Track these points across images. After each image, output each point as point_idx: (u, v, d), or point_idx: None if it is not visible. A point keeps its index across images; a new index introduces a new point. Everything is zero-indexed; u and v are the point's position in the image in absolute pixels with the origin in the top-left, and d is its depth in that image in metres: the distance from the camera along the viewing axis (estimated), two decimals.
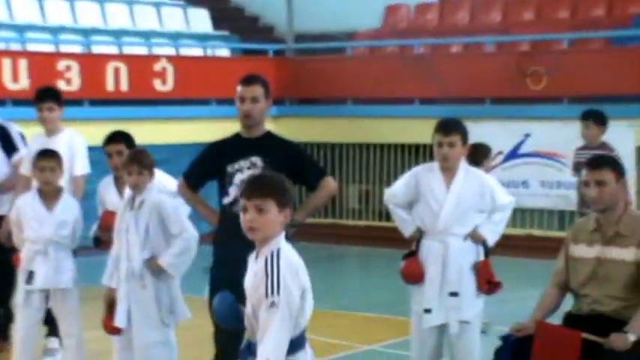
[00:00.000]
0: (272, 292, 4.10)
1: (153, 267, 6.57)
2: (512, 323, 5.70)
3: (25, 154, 8.36)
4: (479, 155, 8.43)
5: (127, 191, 6.76)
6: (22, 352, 7.11)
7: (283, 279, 4.10)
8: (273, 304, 4.08)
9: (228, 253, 6.31)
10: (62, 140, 8.15)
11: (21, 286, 7.13)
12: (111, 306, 6.69)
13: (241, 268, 6.24)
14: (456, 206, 6.48)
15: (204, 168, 6.51)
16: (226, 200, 6.30)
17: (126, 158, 6.68)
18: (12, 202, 8.00)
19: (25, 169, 8.29)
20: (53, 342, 8.07)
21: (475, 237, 6.54)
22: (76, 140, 8.29)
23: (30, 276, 7.09)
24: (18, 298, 7.13)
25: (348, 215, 17.00)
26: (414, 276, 6.55)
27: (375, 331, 9.46)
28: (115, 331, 6.67)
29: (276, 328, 4.06)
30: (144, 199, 6.61)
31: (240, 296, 6.31)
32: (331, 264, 15.19)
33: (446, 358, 6.69)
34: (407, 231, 6.65)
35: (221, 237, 6.40)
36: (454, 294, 6.47)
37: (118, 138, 7.34)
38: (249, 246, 6.17)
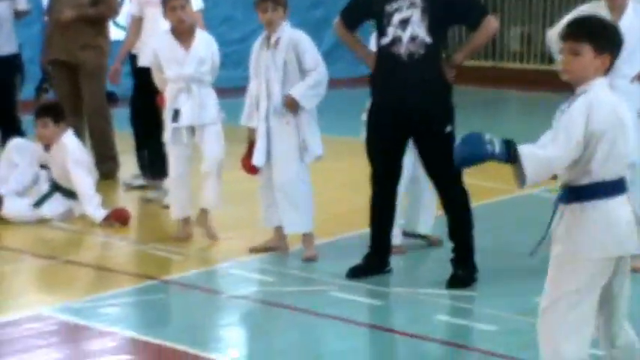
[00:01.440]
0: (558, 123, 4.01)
1: (287, 100, 6.58)
2: None
3: None
4: None
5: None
6: (177, 188, 7.27)
7: (574, 112, 3.95)
8: (552, 132, 4.01)
9: (385, 96, 6.26)
10: None
11: (168, 125, 7.24)
12: (252, 146, 6.75)
13: (399, 108, 6.23)
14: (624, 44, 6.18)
15: (362, 7, 6.37)
16: (384, 41, 6.17)
17: None
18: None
19: (134, 9, 8.32)
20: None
21: None
22: None
23: (176, 114, 7.17)
24: (166, 137, 7.26)
25: (508, 58, 16.64)
26: None
27: None
28: (253, 170, 6.75)
29: (547, 151, 3.96)
30: (279, 37, 6.61)
31: (395, 140, 6.30)
32: (491, 108, 14.97)
33: None
34: None
35: (379, 79, 6.31)
36: None
37: None
38: (406, 88, 6.15)
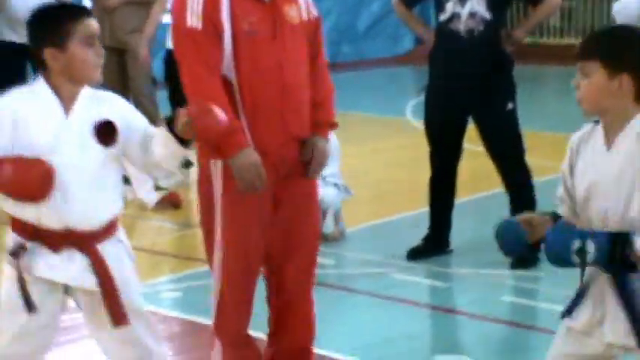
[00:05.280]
0: None
1: None
2: None
3: None
4: None
5: None
6: None
7: None
8: None
9: (444, 73, 6.16)
10: None
11: None
12: None
13: (458, 86, 6.11)
14: None
15: None
16: (442, 17, 6.07)
17: None
18: None
19: None
20: None
21: None
22: None
23: None
24: None
25: (549, 34, 16.49)
26: None
27: None
28: None
29: None
30: None
31: (454, 118, 6.16)
32: (532, 85, 14.85)
33: None
34: None
35: (437, 56, 6.20)
36: None
37: None
38: (465, 63, 6.04)
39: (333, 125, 4.20)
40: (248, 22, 3.91)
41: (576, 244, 3.11)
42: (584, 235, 3.12)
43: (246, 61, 3.89)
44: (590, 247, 3.10)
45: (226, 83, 3.92)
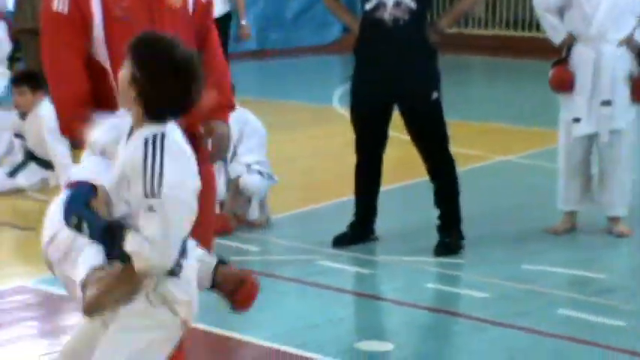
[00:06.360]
0: None
1: None
2: None
3: None
4: None
5: None
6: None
7: None
8: None
9: (369, 62, 6.19)
10: None
11: None
12: None
13: (383, 75, 6.16)
14: (611, 9, 6.19)
15: None
16: (368, 5, 6.10)
17: None
18: None
19: None
20: None
21: (630, 43, 6.28)
22: None
23: None
24: None
25: (474, 24, 16.64)
26: (564, 84, 6.35)
27: (510, 142, 9.31)
28: None
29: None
30: None
31: (380, 106, 6.23)
32: (457, 75, 14.99)
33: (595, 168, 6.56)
34: (557, 38, 6.41)
35: (362, 44, 6.23)
36: (606, 102, 6.26)
37: None
38: (390, 54, 6.09)
39: (231, 107, 4.05)
40: (120, 7, 3.81)
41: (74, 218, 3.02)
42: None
43: (119, 47, 3.64)
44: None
45: (102, 70, 3.80)
